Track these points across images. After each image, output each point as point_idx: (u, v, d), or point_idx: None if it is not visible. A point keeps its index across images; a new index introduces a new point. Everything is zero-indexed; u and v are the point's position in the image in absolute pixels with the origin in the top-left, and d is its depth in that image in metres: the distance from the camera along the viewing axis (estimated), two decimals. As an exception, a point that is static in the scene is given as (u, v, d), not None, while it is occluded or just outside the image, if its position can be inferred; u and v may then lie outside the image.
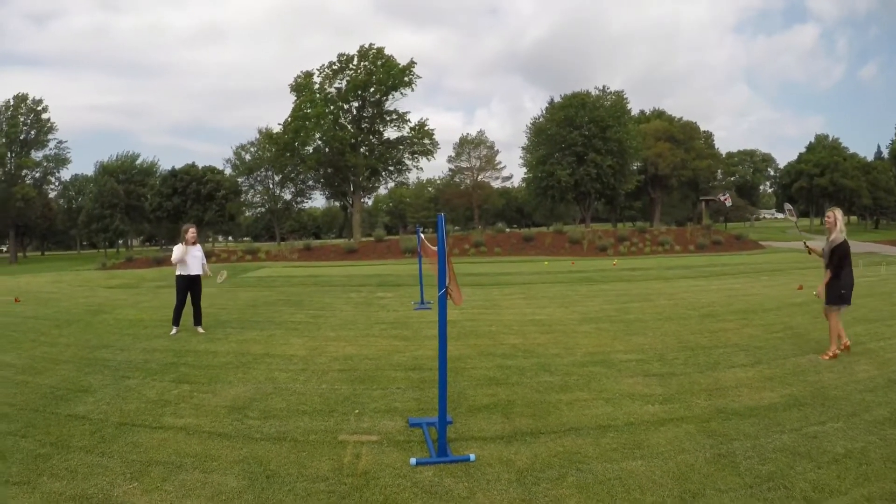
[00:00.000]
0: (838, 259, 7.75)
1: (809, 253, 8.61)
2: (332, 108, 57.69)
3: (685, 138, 77.35)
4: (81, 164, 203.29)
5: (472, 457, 4.71)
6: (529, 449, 4.91)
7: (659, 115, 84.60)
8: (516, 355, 8.42)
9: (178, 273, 10.71)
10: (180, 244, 10.67)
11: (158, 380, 7.33)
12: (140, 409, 6.14)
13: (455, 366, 7.68)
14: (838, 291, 7.78)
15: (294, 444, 5.10)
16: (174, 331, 10.49)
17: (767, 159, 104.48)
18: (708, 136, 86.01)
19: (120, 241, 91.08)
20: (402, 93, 59.22)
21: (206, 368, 7.89)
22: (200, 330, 10.63)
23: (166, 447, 5.04)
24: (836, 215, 7.87)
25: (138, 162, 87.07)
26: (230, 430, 5.44)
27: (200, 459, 4.77)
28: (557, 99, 65.52)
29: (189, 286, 10.68)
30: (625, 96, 65.92)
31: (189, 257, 10.64)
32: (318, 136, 58.01)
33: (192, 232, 10.80)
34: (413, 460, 4.66)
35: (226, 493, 4.19)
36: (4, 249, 72.26)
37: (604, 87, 67.68)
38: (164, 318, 11.76)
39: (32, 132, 73.11)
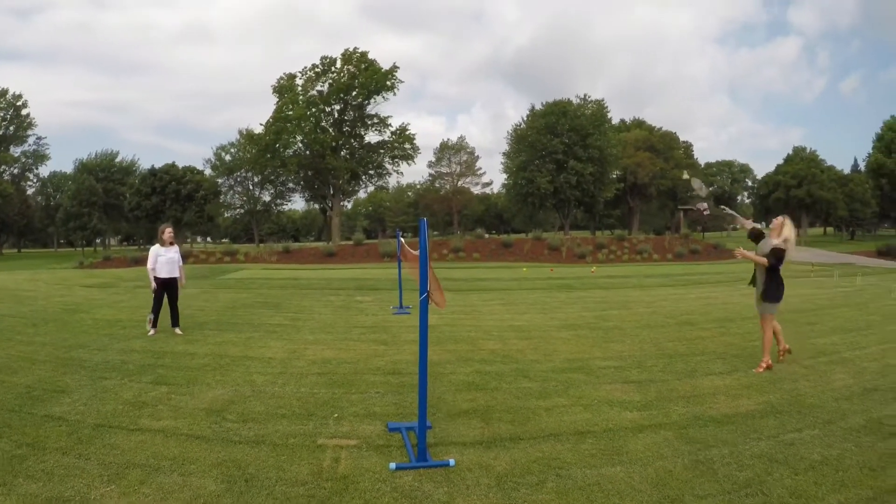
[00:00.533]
0: (774, 258, 7.54)
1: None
2: (313, 110, 57.59)
3: (665, 148, 78.07)
4: (61, 161, 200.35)
5: (452, 462, 4.71)
6: (509, 454, 4.92)
7: (639, 124, 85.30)
8: (495, 361, 8.43)
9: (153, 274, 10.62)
10: (157, 244, 10.60)
11: (136, 381, 7.25)
12: (117, 410, 6.07)
13: (434, 371, 7.67)
14: (776, 288, 7.66)
15: (273, 447, 5.07)
16: (151, 332, 10.40)
17: (745, 170, 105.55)
18: (687, 147, 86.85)
19: (98, 240, 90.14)
20: (384, 97, 59.34)
21: (183, 370, 7.81)
22: (178, 331, 10.53)
23: (144, 449, 4.98)
24: (786, 223, 7.61)
25: (118, 160, 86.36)
26: (208, 433, 5.39)
27: (178, 462, 4.72)
28: (539, 106, 65.92)
29: (165, 287, 10.59)
30: (605, 105, 66.27)
31: (163, 260, 10.55)
32: (299, 138, 57.87)
33: (168, 232, 10.72)
34: (392, 465, 4.65)
35: (204, 496, 4.15)
36: (-21, 247, 71.10)
37: (585, 95, 68.06)
38: (141, 319, 11.63)
39: (11, 128, 72.12)
